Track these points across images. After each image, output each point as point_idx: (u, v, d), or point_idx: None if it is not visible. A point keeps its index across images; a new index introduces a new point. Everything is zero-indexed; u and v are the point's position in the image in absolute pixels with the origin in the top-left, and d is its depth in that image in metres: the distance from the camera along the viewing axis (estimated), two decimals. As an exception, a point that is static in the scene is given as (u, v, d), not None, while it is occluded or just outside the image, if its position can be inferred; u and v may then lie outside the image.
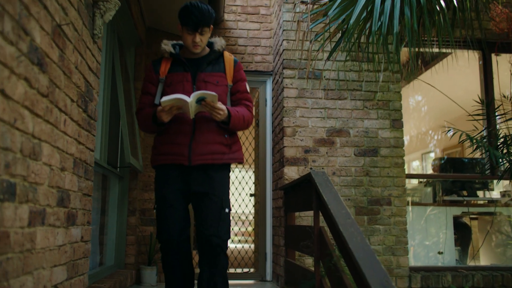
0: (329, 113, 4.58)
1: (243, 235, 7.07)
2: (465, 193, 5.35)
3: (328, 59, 3.78)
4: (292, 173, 4.45)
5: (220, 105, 2.66)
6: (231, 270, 5.44)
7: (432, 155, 8.52)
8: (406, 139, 8.06)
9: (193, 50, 2.81)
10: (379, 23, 3.27)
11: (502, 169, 4.29)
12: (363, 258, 2.03)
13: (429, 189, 5.41)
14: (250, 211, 6.02)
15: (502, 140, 3.54)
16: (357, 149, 4.56)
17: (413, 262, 4.80)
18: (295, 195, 3.95)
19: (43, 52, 1.93)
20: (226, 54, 2.95)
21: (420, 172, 8.57)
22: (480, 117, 3.59)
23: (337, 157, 4.53)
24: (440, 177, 5.50)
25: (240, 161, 2.88)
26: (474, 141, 3.41)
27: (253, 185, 6.09)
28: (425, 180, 5.76)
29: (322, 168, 4.48)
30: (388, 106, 4.66)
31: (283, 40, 4.68)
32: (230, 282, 3.46)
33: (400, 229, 4.48)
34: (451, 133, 3.76)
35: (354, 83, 4.66)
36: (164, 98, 2.56)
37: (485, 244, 5.27)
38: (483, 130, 3.65)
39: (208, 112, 2.67)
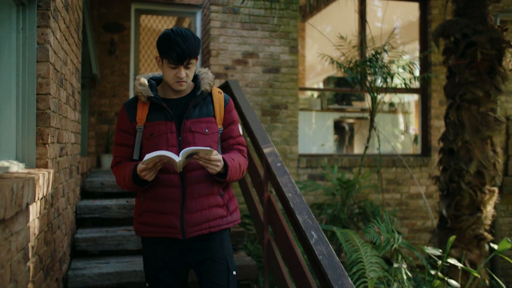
0: (244, 40, 5.97)
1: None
2: (344, 103, 7.07)
3: (242, 2, 5.09)
4: (216, 84, 5.87)
5: (215, 155, 2.15)
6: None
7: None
8: (321, 62, 9.63)
9: (176, 87, 2.25)
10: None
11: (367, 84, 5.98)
12: (257, 130, 3.55)
13: (318, 99, 7.07)
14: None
15: (356, 63, 5.11)
16: (264, 68, 6.03)
17: (302, 151, 6.51)
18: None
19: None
20: (215, 91, 2.39)
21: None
22: (341, 47, 5.14)
23: (249, 74, 5.99)
24: (323, 90, 7.18)
25: (238, 223, 2.44)
26: (335, 63, 4.97)
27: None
28: (317, 92, 7.43)
29: (239, 81, 5.93)
30: (288, 37, 6.11)
31: (210, -19, 5.93)
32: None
33: (293, 127, 6.11)
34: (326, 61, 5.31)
35: (264, 18, 6.05)
36: (147, 157, 2.06)
37: (356, 139, 7.09)
38: (343, 55, 5.21)
39: (202, 165, 2.16)
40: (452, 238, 3.31)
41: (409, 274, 3.07)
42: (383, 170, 6.37)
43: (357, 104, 7.08)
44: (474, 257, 4.93)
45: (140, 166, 2.14)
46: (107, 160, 6.03)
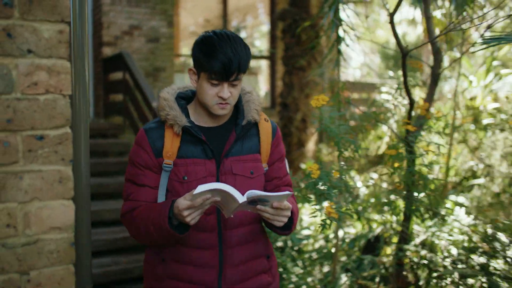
0: (130, 15, 7.27)
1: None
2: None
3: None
4: (108, 51, 7.17)
5: (286, 203, 1.55)
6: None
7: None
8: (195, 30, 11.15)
9: (216, 111, 1.63)
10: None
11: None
12: (147, 89, 5.05)
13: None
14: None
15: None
16: (146, 38, 7.42)
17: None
18: (111, 64, 6.73)
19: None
20: (262, 119, 1.76)
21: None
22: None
23: (135, 43, 7.35)
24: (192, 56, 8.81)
25: None
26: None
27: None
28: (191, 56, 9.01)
29: (126, 49, 7.28)
30: (166, 13, 7.52)
31: (100, -35, 7.11)
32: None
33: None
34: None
35: (146, -3, 7.43)
36: (200, 189, 1.44)
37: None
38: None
39: (268, 218, 1.56)
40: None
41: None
42: (241, 119, 8.20)
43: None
44: (299, 179, 7.04)
45: (183, 202, 1.48)
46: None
